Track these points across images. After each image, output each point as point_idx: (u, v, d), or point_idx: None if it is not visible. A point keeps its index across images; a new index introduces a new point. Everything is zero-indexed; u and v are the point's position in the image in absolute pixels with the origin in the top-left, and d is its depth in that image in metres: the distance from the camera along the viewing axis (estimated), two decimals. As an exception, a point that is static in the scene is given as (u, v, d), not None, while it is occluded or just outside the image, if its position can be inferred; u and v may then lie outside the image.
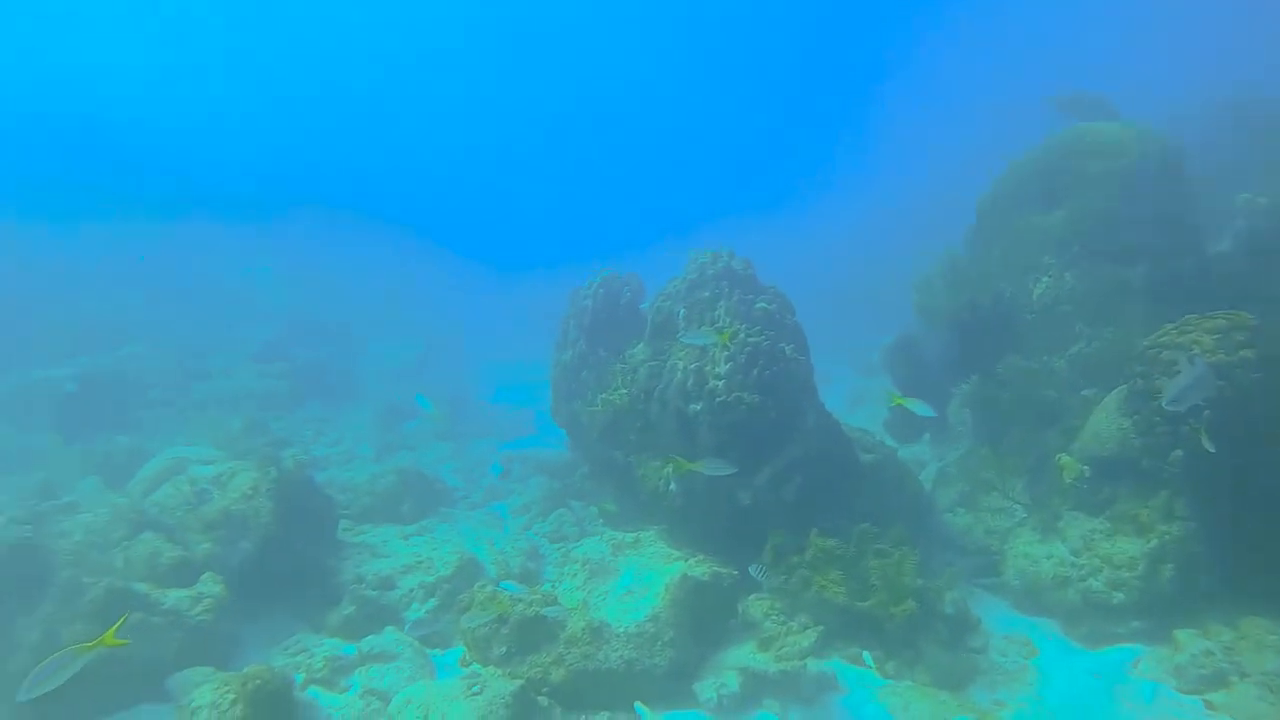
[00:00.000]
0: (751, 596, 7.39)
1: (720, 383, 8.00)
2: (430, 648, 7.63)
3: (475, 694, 5.98)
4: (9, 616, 6.83)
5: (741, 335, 8.19)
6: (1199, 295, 8.51)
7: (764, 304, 8.86)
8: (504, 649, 6.71)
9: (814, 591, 7.22)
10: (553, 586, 7.81)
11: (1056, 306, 9.25)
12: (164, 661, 6.92)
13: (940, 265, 11.48)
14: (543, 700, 6.22)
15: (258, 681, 5.72)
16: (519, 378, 21.60)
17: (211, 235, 26.04)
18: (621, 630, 6.52)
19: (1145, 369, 7.49)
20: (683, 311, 9.01)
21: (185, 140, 41.96)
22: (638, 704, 6.01)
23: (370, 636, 7.50)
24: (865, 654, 6.66)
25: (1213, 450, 6.34)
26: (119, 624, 4.91)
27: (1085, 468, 8.29)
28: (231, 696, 5.68)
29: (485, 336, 26.35)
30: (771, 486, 7.90)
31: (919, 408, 7.41)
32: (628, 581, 7.28)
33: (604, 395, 9.42)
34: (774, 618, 7.18)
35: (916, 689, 6.48)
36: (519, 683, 6.13)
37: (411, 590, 8.17)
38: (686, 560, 7.30)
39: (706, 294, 8.94)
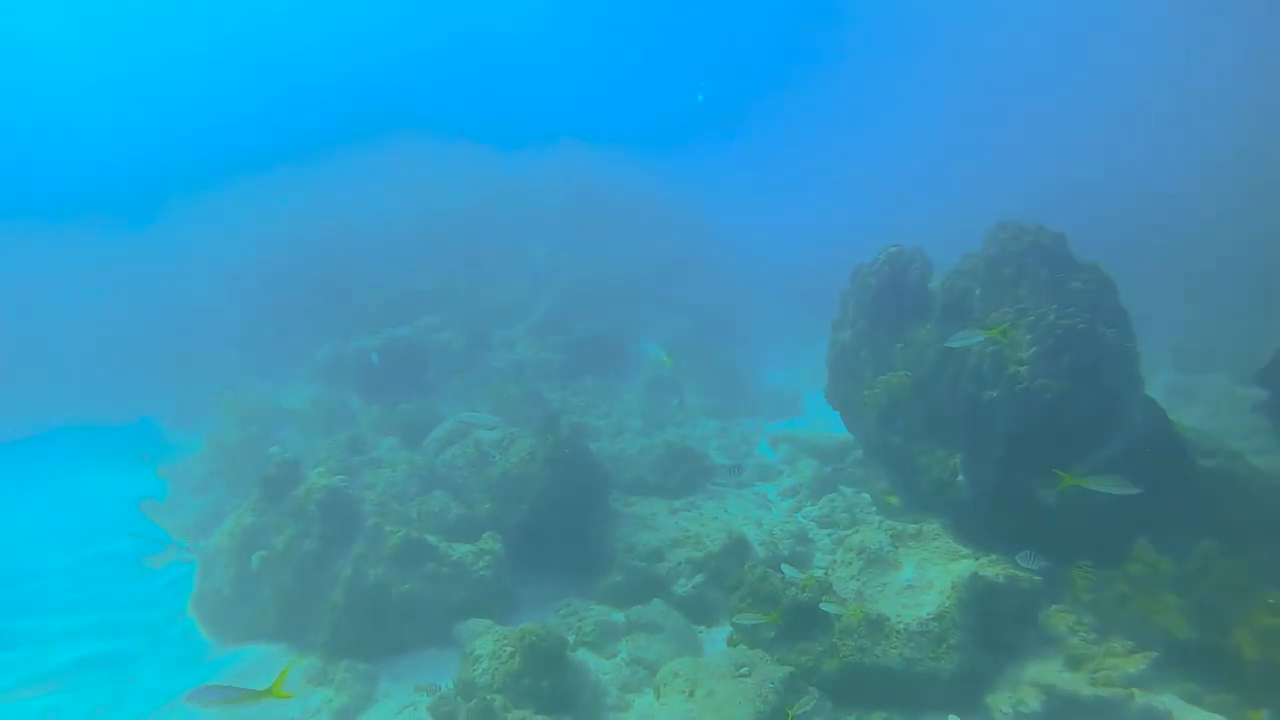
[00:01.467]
0: (1054, 608, 6.56)
1: (1023, 369, 7.16)
2: (696, 623, 7.73)
3: (743, 675, 5.92)
4: (329, 553, 7.99)
5: (1051, 318, 7.25)
6: None
7: (1079, 283, 7.81)
8: (773, 633, 6.57)
9: (1134, 611, 6.23)
10: (826, 573, 7.54)
11: None
12: (450, 609, 7.70)
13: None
14: (813, 691, 6.00)
15: (534, 637, 6.13)
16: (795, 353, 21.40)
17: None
18: (902, 627, 6.09)
19: None
20: (979, 291, 8.20)
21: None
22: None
23: (638, 606, 7.76)
24: None
25: None
26: (283, 675, 5.32)
27: None
28: (510, 649, 6.14)
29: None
30: (1076, 490, 6.92)
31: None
32: (908, 575, 6.80)
33: (883, 377, 8.89)
34: (1081, 634, 6.32)
35: (1279, 747, 5.34)
36: (788, 669, 5.97)
37: (679, 565, 8.32)
38: (977, 559, 6.65)
39: (1009, 271, 8.05)
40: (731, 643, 7.12)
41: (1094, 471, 6.61)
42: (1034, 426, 7.04)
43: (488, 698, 6.07)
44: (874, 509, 9.73)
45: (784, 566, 7.26)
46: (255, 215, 28.68)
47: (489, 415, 12.19)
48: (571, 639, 7.48)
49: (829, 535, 9.56)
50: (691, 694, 6.09)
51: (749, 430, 15.36)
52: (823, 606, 6.39)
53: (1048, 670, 5.76)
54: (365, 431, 12.86)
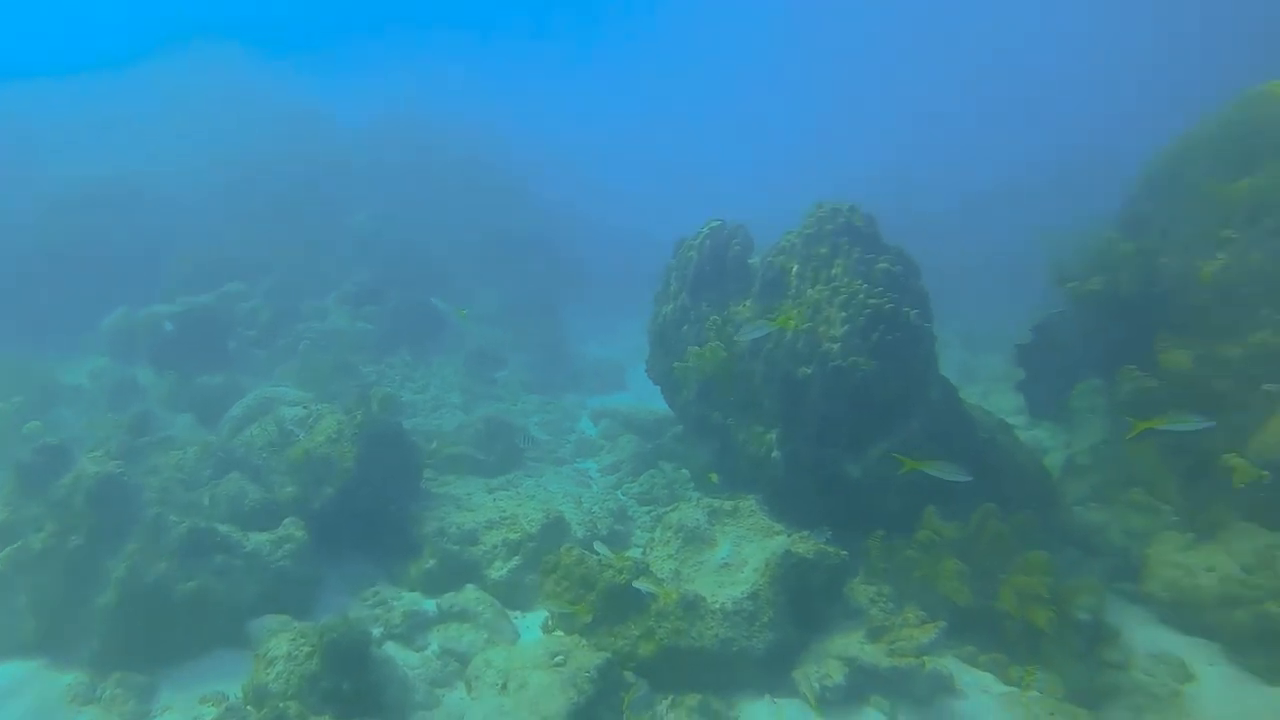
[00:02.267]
0: (856, 579, 6.79)
1: (836, 345, 7.31)
2: (513, 609, 7.36)
3: (558, 664, 5.63)
4: (98, 550, 6.85)
5: (861, 296, 7.45)
6: None
7: (886, 264, 8.04)
8: (590, 617, 6.32)
9: (922, 579, 6.56)
10: (644, 553, 7.39)
11: (1237, 288, 8.05)
12: (243, 605, 6.84)
13: (1088, 237, 10.29)
14: (629, 676, 5.82)
15: (334, 634, 5.50)
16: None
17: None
18: (717, 606, 6.03)
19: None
20: (796, 268, 8.30)
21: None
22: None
23: (450, 593, 7.27)
24: None
25: None
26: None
27: (1265, 472, 7.26)
28: (308, 648, 5.49)
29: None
30: (886, 461, 7.19)
31: (1179, 423, 6.41)
32: (725, 553, 6.78)
33: (693, 348, 8.80)
34: (881, 604, 6.58)
35: (1045, 702, 5.77)
36: (605, 656, 5.73)
37: (495, 547, 7.89)
38: (789, 535, 6.73)
39: (824, 250, 8.20)
40: (547, 629, 6.81)
41: (914, 453, 6.90)
42: (845, 403, 7.22)
43: (281, 705, 5.39)
44: (693, 486, 9.75)
45: (597, 545, 7.03)
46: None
47: (295, 390, 11.08)
48: (378, 632, 6.87)
49: (648, 513, 9.48)
50: (504, 687, 5.73)
51: (571, 405, 15.11)
52: (636, 585, 6.21)
53: (851, 643, 5.92)
54: (156, 409, 11.34)
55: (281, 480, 8.30)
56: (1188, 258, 8.64)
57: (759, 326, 7.33)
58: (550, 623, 6.78)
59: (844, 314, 7.41)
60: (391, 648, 6.68)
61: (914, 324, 7.51)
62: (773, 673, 5.86)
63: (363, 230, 21.99)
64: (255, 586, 6.91)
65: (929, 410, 7.35)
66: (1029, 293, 12.19)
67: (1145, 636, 6.79)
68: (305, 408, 9.37)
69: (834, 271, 8.03)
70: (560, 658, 5.72)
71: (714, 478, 9.24)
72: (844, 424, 7.30)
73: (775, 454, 7.63)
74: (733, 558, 6.65)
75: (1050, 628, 6.13)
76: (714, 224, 9.45)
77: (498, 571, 7.70)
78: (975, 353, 16.77)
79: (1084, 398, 10.58)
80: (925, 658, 5.68)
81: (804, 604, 6.20)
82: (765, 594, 6.04)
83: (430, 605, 7.25)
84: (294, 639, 5.61)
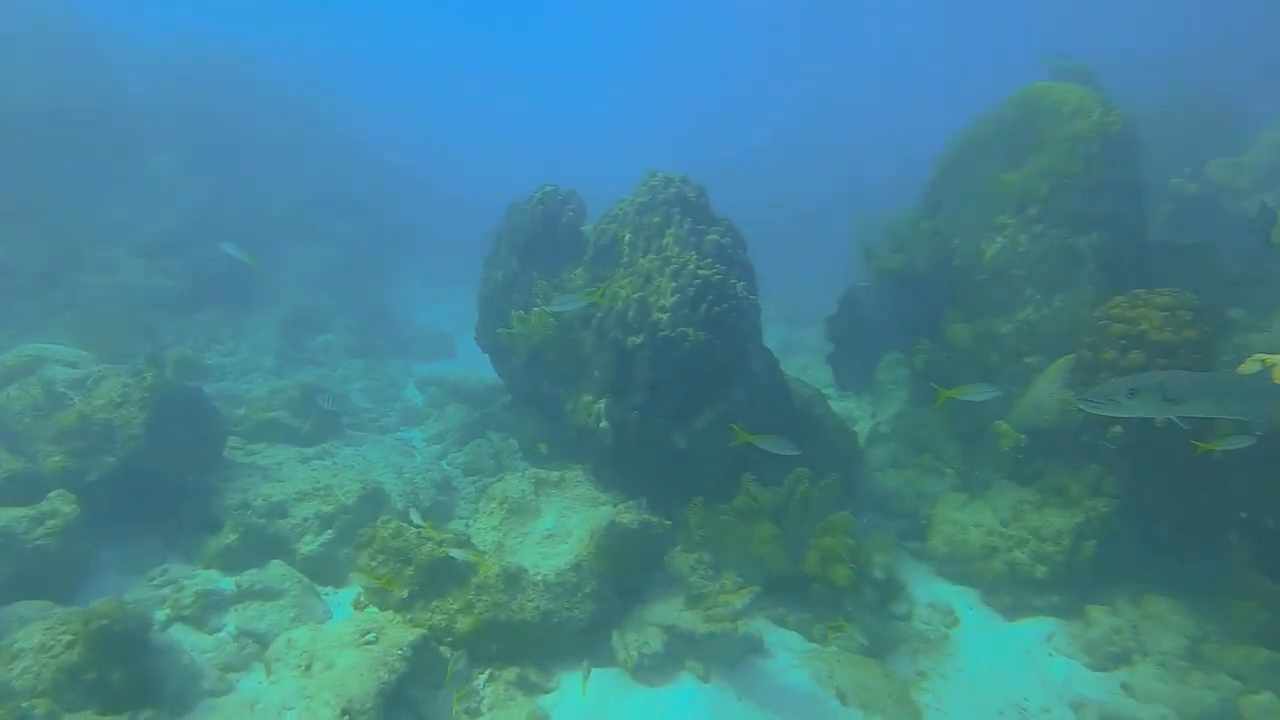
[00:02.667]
0: (678, 548, 6.90)
1: (665, 315, 7.34)
2: (324, 585, 6.90)
3: (369, 642, 5.32)
4: None
5: (691, 266, 7.52)
6: (1141, 271, 8.32)
7: (716, 236, 8.18)
8: (406, 592, 6.03)
9: (738, 544, 6.77)
10: (466, 525, 7.16)
11: (1009, 270, 8.85)
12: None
13: (889, 217, 11.01)
14: (446, 651, 5.61)
15: (103, 621, 4.87)
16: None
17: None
18: (540, 578, 5.92)
19: (1094, 340, 7.19)
20: (629, 236, 8.25)
21: None
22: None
23: (252, 570, 6.70)
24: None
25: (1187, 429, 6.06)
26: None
27: (1023, 436, 8.06)
28: (68, 638, 4.83)
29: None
30: (711, 432, 7.35)
31: (975, 392, 6.71)
32: (549, 524, 6.68)
33: (518, 313, 8.57)
34: (700, 571, 6.72)
35: (842, 656, 6.15)
36: (420, 632, 5.48)
37: (306, 520, 7.35)
38: (615, 505, 6.73)
39: (656, 219, 8.20)
40: (359, 605, 6.44)
41: (738, 424, 7.06)
42: (673, 373, 7.28)
43: (25, 705, 4.72)
44: (521, 456, 9.57)
45: (412, 514, 6.72)
46: None
47: (70, 349, 9.76)
48: (163, 615, 6.22)
49: (474, 483, 9.21)
50: (308, 668, 5.35)
51: (398, 372, 14.44)
52: (452, 554, 5.99)
53: (670, 610, 6.01)
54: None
55: (47, 449, 7.29)
56: (974, 240, 9.43)
57: (571, 299, 7.21)
58: (362, 599, 6.42)
59: (674, 284, 7.45)
60: (180, 631, 6.08)
61: (741, 296, 7.68)
62: (594, 643, 5.84)
63: (164, 176, 19.71)
64: (7, 569, 6.03)
65: (752, 382, 7.56)
66: (849, 270, 12.86)
67: (925, 588, 7.45)
68: (82, 368, 8.30)
69: (665, 241, 8.06)
70: (372, 635, 5.41)
71: (543, 448, 9.11)
72: (671, 394, 7.36)
73: (603, 424, 7.59)
74: (558, 529, 6.57)
75: (848, 585, 6.56)
76: (547, 189, 9.23)
77: (308, 546, 7.19)
78: (797, 327, 17.61)
79: (888, 369, 11.35)
80: (739, 622, 5.85)
81: (627, 574, 6.23)
82: (589, 565, 6.00)
83: (229, 584, 6.64)
84: (50, 628, 4.92)
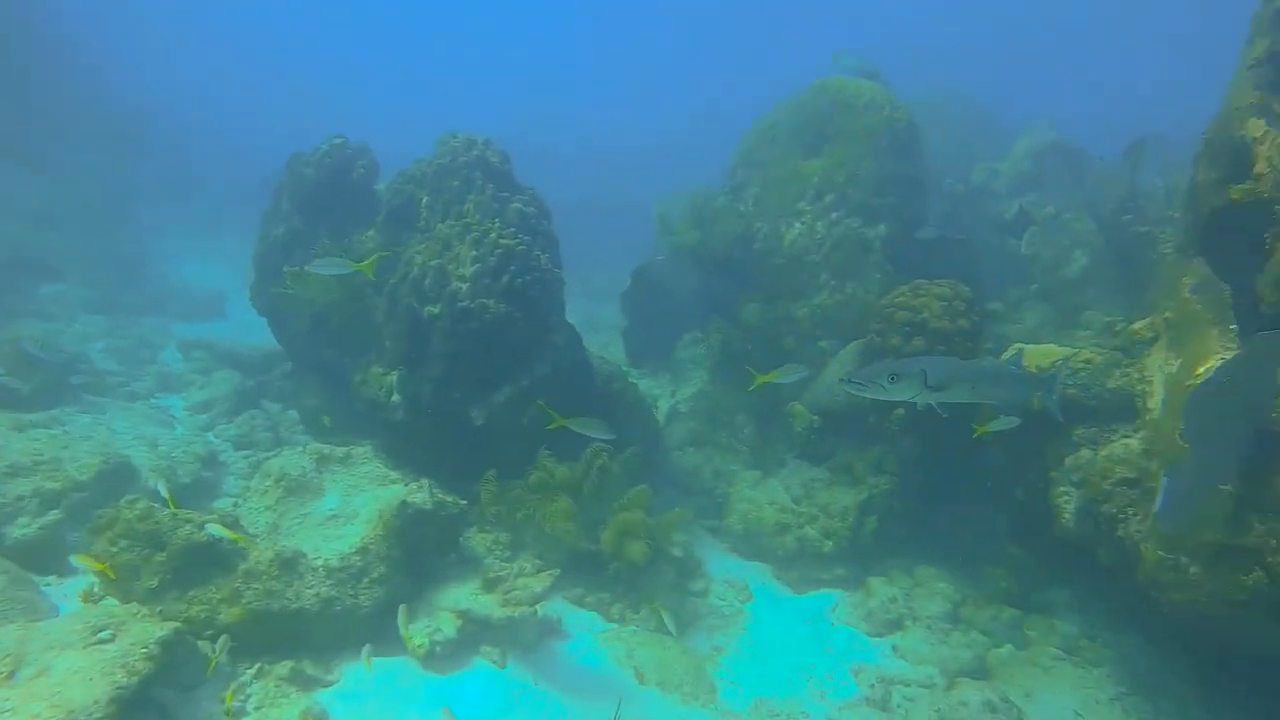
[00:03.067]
0: (473, 529, 6.69)
1: (464, 285, 7.04)
2: (45, 575, 5.95)
3: (103, 641, 4.63)
4: None
5: (494, 235, 7.25)
6: (918, 262, 9.16)
7: (520, 204, 7.95)
8: (155, 581, 5.33)
9: (533, 520, 6.67)
10: (235, 505, 6.48)
11: (806, 255, 9.40)
12: None
13: (690, 195, 11.28)
14: (206, 646, 5.03)
15: None
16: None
17: None
18: (320, 563, 5.47)
19: (881, 327, 7.81)
20: (427, 199, 7.81)
21: None
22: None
23: (-52, 562, 5.63)
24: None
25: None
26: None
27: (815, 418, 8.62)
28: None
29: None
30: (511, 408, 7.16)
31: (788, 374, 6.87)
32: (332, 504, 6.20)
33: (290, 268, 7.83)
34: (497, 553, 6.57)
35: (641, 634, 6.27)
36: (173, 626, 4.85)
37: (22, 499, 6.28)
38: (406, 484, 6.38)
39: (456, 184, 7.82)
40: (90, 598, 5.61)
41: (540, 399, 6.90)
42: (472, 345, 7.00)
43: None
44: (303, 429, 8.84)
45: (160, 485, 5.96)
46: None
47: None
48: None
49: (246, 458, 8.38)
50: (11, 675, 4.53)
51: (152, 332, 12.78)
52: (211, 529, 5.36)
53: (464, 594, 5.80)
54: None
55: None
56: (775, 225, 9.92)
57: (333, 263, 6.68)
58: (96, 590, 5.60)
59: (475, 253, 7.15)
60: None
61: (545, 268, 7.53)
62: (381, 631, 5.50)
63: None
64: None
65: (555, 356, 7.44)
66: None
67: (721, 565, 7.78)
68: None
69: (466, 207, 7.71)
70: (107, 632, 4.70)
71: (327, 420, 8.48)
72: (469, 367, 7.08)
73: (395, 397, 7.17)
74: (342, 509, 6.11)
75: (645, 563, 6.70)
76: (336, 141, 8.50)
77: (22, 529, 6.15)
78: (601, 302, 17.65)
79: (687, 348, 11.74)
80: (538, 605, 5.77)
81: (419, 556, 5.93)
82: (377, 548, 5.63)
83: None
84: None
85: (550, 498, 6.71)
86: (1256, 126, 4.74)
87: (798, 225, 9.61)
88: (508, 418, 7.15)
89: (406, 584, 5.74)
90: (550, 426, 5.76)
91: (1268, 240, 4.51)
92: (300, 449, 6.75)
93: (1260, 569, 4.14)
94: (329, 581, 5.39)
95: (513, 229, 7.45)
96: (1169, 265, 5.84)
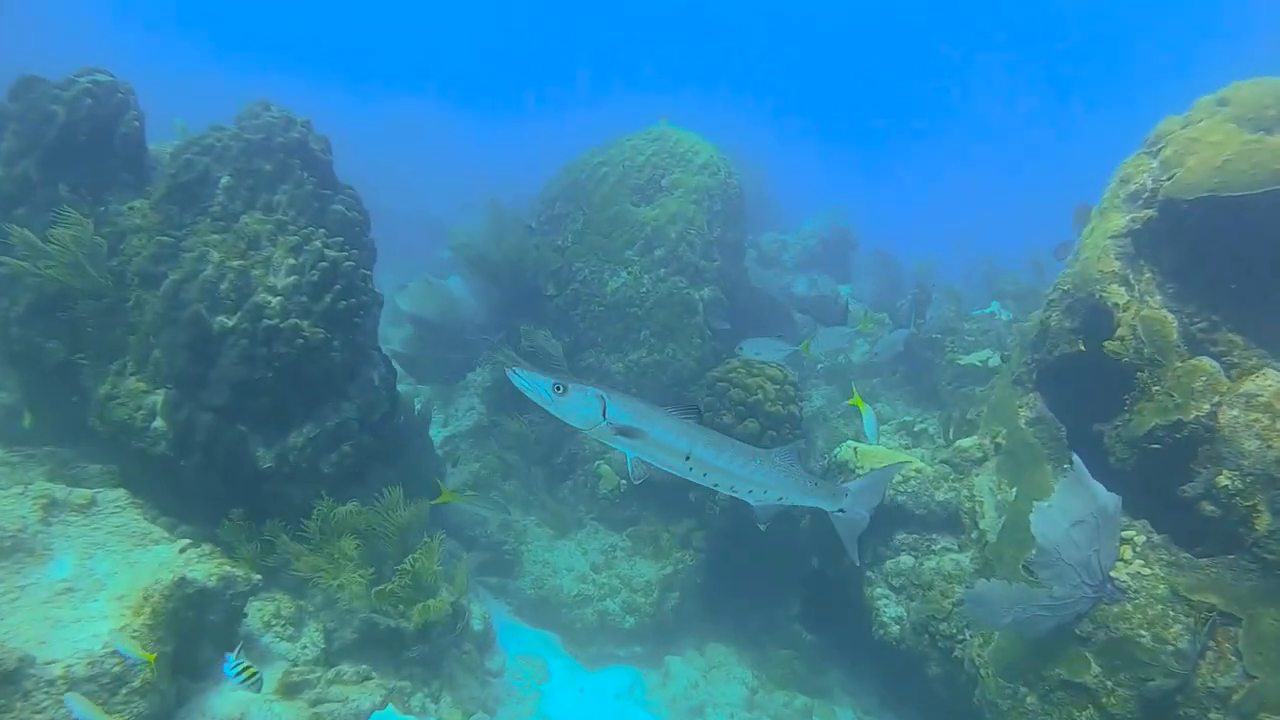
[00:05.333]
0: (254, 598, 5.43)
1: (276, 300, 5.77)
2: None
3: None
4: None
5: (318, 244, 6.06)
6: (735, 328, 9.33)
7: (343, 207, 6.78)
8: None
9: (322, 584, 5.58)
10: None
11: (628, 307, 9.11)
12: None
13: (492, 217, 10.54)
14: None
15: None
16: None
17: None
18: (60, 669, 4.00)
19: (712, 400, 7.71)
20: (227, 180, 6.31)
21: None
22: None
23: None
24: None
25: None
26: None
27: (623, 481, 8.33)
28: None
29: None
30: (311, 451, 5.96)
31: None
32: (64, 572, 4.64)
33: (19, 230, 5.85)
34: (278, 629, 5.39)
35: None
36: None
37: None
38: (176, 543, 4.98)
39: (269, 168, 6.43)
40: None
41: (347, 439, 5.83)
42: (274, 373, 5.73)
43: None
44: (18, 460, 6.64)
45: None
46: None
47: None
48: None
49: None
50: None
51: None
52: None
53: (256, 705, 4.61)
54: None
55: None
56: (600, 268, 9.53)
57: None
58: None
59: (293, 261, 5.92)
60: None
61: (371, 291, 6.48)
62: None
63: None
64: None
65: (370, 396, 6.36)
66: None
67: (514, 636, 7.20)
68: None
69: (278, 199, 6.39)
70: None
71: (28, 420, 6.53)
72: (265, 398, 5.80)
73: (158, 424, 5.64)
74: (80, 579, 4.59)
75: (443, 639, 5.91)
76: (101, 78, 6.60)
77: None
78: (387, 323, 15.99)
79: (479, 376, 10.90)
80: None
81: (195, 648, 4.62)
82: (143, 640, 4.27)
83: None
84: None
85: (339, 565, 5.62)
86: (1119, 294, 5.31)
87: (624, 274, 9.33)
88: (305, 462, 5.96)
89: (173, 691, 4.43)
90: (436, 501, 4.83)
91: (1127, 402, 5.03)
92: (18, 490, 4.98)
93: (1093, 707, 4.53)
94: (57, 699, 3.93)
95: (340, 239, 6.29)
96: (1002, 392, 6.39)
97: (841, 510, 3.60)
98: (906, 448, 8.62)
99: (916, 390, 10.00)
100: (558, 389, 3.00)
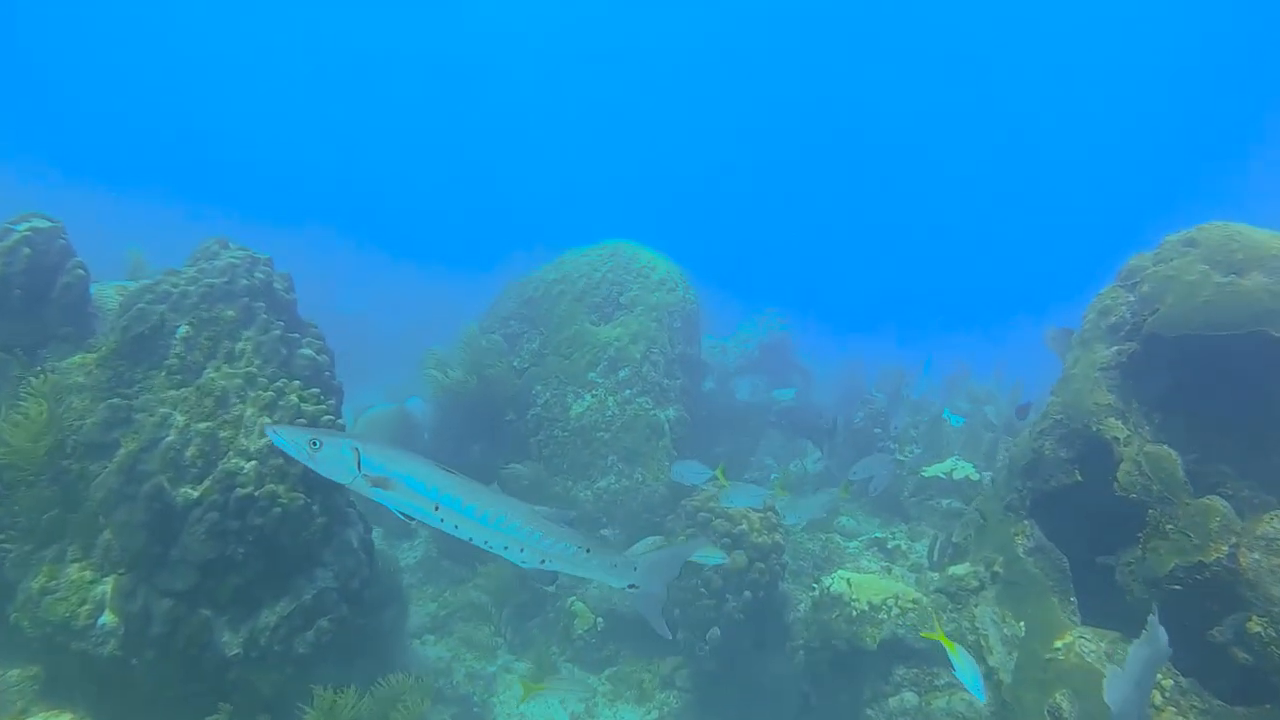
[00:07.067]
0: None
1: (250, 464, 5.21)
2: None
3: None
4: None
5: (293, 397, 5.58)
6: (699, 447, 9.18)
7: (311, 350, 6.31)
8: None
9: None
10: None
11: (595, 432, 8.82)
12: None
13: (461, 345, 10.19)
14: None
15: None
16: None
17: None
18: None
19: (693, 530, 7.47)
20: (186, 329, 5.76)
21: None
22: None
23: None
24: None
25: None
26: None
27: (599, 619, 7.89)
28: None
29: None
30: (285, 630, 5.31)
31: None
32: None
33: None
34: None
35: None
36: None
37: None
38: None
39: (232, 314, 5.93)
40: None
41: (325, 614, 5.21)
42: (248, 548, 5.12)
43: None
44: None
45: None
46: None
47: None
48: None
49: None
50: None
51: None
52: None
53: None
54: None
55: None
56: (562, 391, 9.24)
57: None
58: None
59: (268, 419, 5.38)
60: None
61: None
62: None
63: None
64: None
65: (348, 561, 5.77)
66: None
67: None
68: None
69: (241, 347, 5.88)
70: None
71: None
72: (235, 576, 5.16)
73: (107, 619, 4.89)
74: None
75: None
76: (41, 224, 6.00)
77: None
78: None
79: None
80: None
81: None
82: None
83: None
84: None
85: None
86: (1117, 428, 5.44)
87: (588, 397, 9.08)
88: (278, 643, 5.29)
89: None
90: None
91: (1141, 540, 5.08)
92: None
93: None
94: None
95: (316, 389, 5.81)
96: (995, 519, 6.40)
97: (633, 586, 3.38)
98: (886, 567, 8.55)
99: (877, 500, 10.04)
100: (314, 444, 2.98)
